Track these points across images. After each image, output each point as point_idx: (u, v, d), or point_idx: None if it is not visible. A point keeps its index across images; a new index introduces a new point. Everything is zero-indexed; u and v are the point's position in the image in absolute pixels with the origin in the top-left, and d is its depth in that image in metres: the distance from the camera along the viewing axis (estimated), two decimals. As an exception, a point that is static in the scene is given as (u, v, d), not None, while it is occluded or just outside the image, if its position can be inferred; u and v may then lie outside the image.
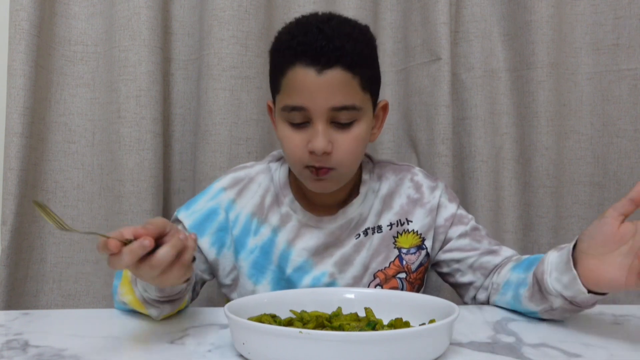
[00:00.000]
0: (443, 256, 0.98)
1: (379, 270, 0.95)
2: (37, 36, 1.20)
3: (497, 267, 0.95)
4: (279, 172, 0.98)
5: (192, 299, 0.96)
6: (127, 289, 0.80)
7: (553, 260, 0.78)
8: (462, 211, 1.00)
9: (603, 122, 1.37)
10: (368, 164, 1.00)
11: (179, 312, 0.86)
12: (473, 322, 0.82)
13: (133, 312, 0.84)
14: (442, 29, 1.30)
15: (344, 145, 0.86)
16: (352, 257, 0.95)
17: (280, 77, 0.87)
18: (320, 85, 0.82)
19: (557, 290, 0.76)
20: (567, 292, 0.75)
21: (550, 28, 1.31)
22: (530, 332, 0.77)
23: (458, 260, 0.97)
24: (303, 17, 0.90)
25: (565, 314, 0.80)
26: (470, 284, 0.97)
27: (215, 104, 1.26)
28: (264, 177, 0.98)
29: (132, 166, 1.24)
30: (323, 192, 0.92)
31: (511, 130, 1.37)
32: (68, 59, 1.29)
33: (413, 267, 0.96)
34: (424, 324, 0.70)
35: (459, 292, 1.01)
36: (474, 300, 0.97)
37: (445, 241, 0.98)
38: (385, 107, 0.96)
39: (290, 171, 0.97)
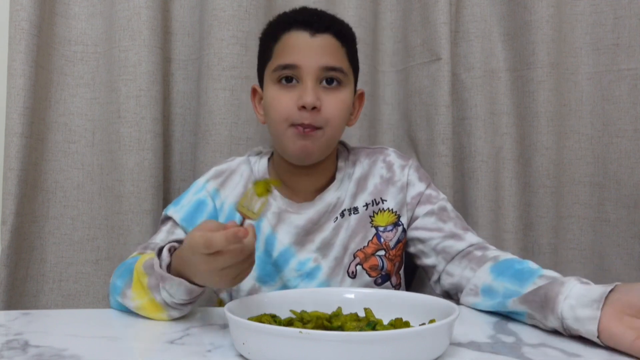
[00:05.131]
0: (409, 234, 1.00)
1: (358, 250, 0.98)
2: (37, 36, 1.20)
3: (461, 254, 0.94)
4: (258, 164, 1.02)
5: None
6: (139, 293, 0.80)
7: (576, 290, 0.71)
8: (431, 191, 1.01)
9: (603, 122, 1.37)
10: (343, 152, 1.04)
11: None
12: (473, 322, 0.82)
13: (133, 312, 0.84)
14: (442, 29, 1.30)
15: (332, 104, 0.92)
16: (333, 240, 0.98)
17: (272, 44, 0.95)
18: (312, 46, 0.92)
19: (564, 316, 0.70)
20: (572, 324, 0.70)
21: (550, 28, 1.31)
22: (530, 332, 0.77)
23: (422, 241, 0.98)
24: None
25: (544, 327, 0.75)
26: (433, 267, 0.97)
27: (215, 104, 1.26)
28: (245, 167, 1.03)
29: (132, 166, 1.24)
30: (306, 157, 0.93)
31: (511, 130, 1.37)
32: (68, 59, 1.29)
33: (391, 244, 0.99)
34: (424, 324, 0.70)
35: (426, 275, 1.02)
36: (438, 284, 0.97)
37: (413, 219, 1.00)
38: (361, 96, 1.02)
39: (268, 162, 1.02)
